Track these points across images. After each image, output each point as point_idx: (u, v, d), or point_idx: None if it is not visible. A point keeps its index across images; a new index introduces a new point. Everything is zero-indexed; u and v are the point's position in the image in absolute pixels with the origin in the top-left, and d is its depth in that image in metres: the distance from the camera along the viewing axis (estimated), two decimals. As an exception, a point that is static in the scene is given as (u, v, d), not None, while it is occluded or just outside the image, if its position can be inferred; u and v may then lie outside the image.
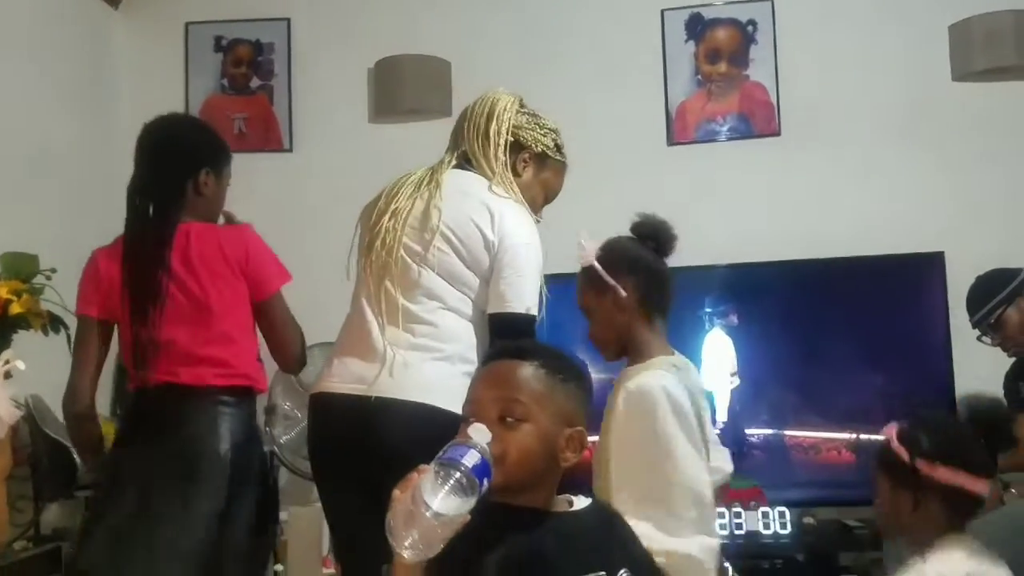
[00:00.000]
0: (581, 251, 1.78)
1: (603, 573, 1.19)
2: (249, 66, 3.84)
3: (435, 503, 1.08)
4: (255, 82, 3.85)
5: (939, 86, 3.53)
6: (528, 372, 1.27)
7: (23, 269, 2.58)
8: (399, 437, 1.80)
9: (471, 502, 1.11)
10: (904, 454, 1.67)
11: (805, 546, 3.13)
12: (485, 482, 1.14)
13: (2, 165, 3.00)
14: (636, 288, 1.72)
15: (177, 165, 2.13)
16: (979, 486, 1.66)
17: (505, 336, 1.85)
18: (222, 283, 2.07)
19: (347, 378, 1.94)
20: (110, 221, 2.23)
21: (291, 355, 2.16)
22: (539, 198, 2.11)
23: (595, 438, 1.56)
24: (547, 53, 3.75)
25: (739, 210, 3.54)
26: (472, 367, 1.81)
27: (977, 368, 3.12)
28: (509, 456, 1.22)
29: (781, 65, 3.61)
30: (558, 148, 2.11)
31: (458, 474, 1.11)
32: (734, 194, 3.56)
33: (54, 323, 2.50)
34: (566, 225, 3.64)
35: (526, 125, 2.04)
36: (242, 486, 2.02)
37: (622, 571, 1.21)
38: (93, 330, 2.10)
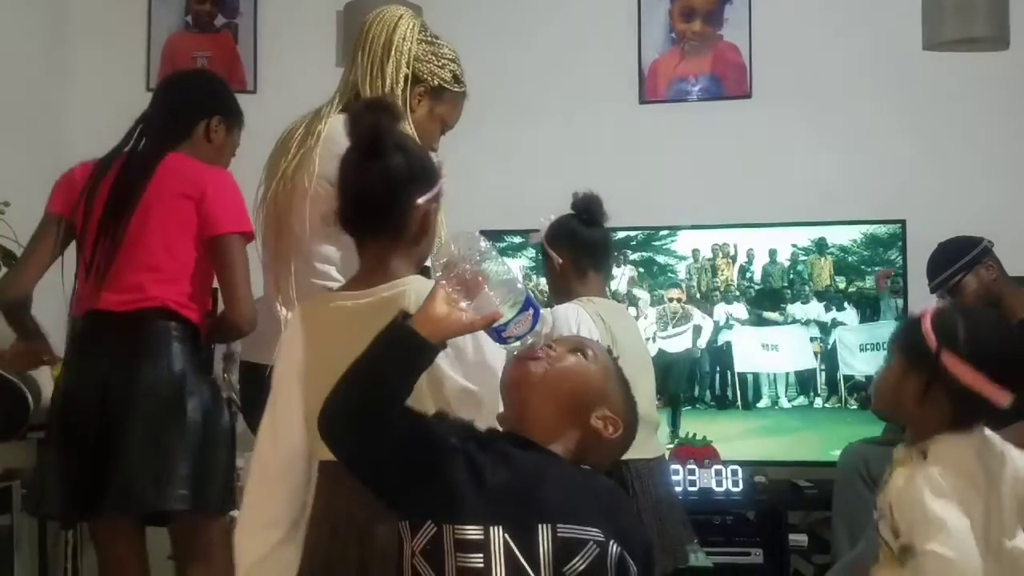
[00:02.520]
0: (537, 231, 2.21)
1: (598, 530, 1.16)
2: (214, 3, 3.74)
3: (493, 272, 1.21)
4: (220, 20, 3.74)
5: (910, 55, 3.53)
6: (606, 355, 1.33)
7: (-25, 202, 2.52)
8: None
9: (506, 310, 1.21)
10: (932, 340, 1.49)
11: (756, 504, 3.19)
12: (528, 314, 1.22)
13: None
14: (568, 255, 2.13)
15: (194, 105, 2.14)
16: (1000, 397, 1.47)
17: None
18: (169, 209, 2.02)
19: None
20: (66, 155, 2.18)
21: (235, 304, 2.03)
22: (435, 132, 1.99)
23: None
24: (521, 2, 3.69)
25: (707, 172, 3.54)
26: None
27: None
28: (558, 363, 1.26)
29: (755, 27, 3.59)
30: (456, 79, 1.98)
31: (520, 284, 1.23)
32: (703, 155, 3.56)
33: (7, 257, 2.45)
34: (539, 179, 3.63)
35: (423, 57, 1.91)
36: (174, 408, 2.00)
37: (612, 542, 1.16)
38: (52, 225, 2.08)
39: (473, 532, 1.15)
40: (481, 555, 1.14)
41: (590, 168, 3.54)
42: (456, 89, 1.99)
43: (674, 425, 3.34)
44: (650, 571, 1.23)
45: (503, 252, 3.39)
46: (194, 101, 2.15)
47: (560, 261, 2.14)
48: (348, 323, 1.34)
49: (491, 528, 1.14)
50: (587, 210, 2.15)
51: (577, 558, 1.14)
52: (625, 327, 2.14)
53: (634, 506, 1.38)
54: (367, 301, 1.35)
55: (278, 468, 1.41)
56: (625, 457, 1.95)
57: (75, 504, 1.99)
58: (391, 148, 1.37)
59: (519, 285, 1.23)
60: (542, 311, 1.26)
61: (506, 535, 1.14)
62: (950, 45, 3.47)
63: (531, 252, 3.40)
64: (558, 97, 3.63)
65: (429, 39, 1.94)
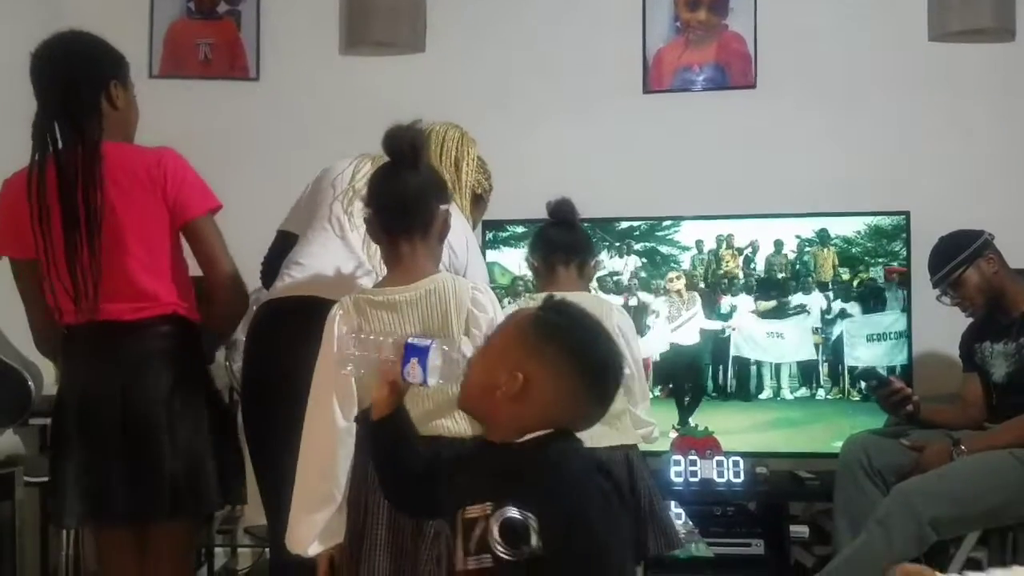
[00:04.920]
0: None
1: (491, 504, 1.26)
2: (217, -11, 3.72)
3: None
4: (222, 7, 3.73)
5: (915, 45, 3.52)
6: (526, 316, 1.39)
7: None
8: None
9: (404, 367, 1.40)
10: None
11: (757, 495, 3.19)
12: (412, 362, 1.38)
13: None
14: (539, 257, 2.32)
15: (86, 81, 2.01)
16: None
17: None
18: (138, 205, 1.98)
19: None
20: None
21: (217, 272, 2.02)
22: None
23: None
24: (525, -9, 3.68)
25: (711, 162, 3.52)
26: None
27: (935, 329, 3.18)
28: (467, 372, 1.38)
29: (760, 16, 3.57)
30: (490, 191, 2.38)
31: (391, 341, 1.42)
32: (707, 145, 3.55)
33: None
34: (543, 169, 3.62)
35: (477, 169, 2.27)
36: (185, 416, 2.00)
37: (505, 509, 1.25)
38: (21, 269, 2.04)
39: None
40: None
41: (594, 158, 3.54)
42: (487, 199, 2.40)
43: (684, 417, 3.34)
44: (571, 539, 1.24)
45: (505, 242, 3.39)
46: (83, 78, 2.01)
47: (536, 264, 2.35)
48: (400, 310, 1.63)
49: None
50: (556, 213, 2.32)
51: (476, 530, 1.28)
52: None
53: (550, 479, 1.33)
54: (414, 293, 1.63)
55: (336, 442, 1.62)
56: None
57: (97, 511, 1.99)
58: (423, 162, 1.68)
59: (390, 341, 1.42)
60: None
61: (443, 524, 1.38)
62: (956, 36, 3.46)
63: (534, 242, 3.40)
64: (562, 87, 3.61)
65: (479, 157, 2.30)
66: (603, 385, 1.36)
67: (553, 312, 1.38)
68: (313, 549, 1.64)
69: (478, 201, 2.33)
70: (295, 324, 1.87)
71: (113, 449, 1.96)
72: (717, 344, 3.36)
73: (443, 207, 1.70)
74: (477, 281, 1.79)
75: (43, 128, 2.00)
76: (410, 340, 1.41)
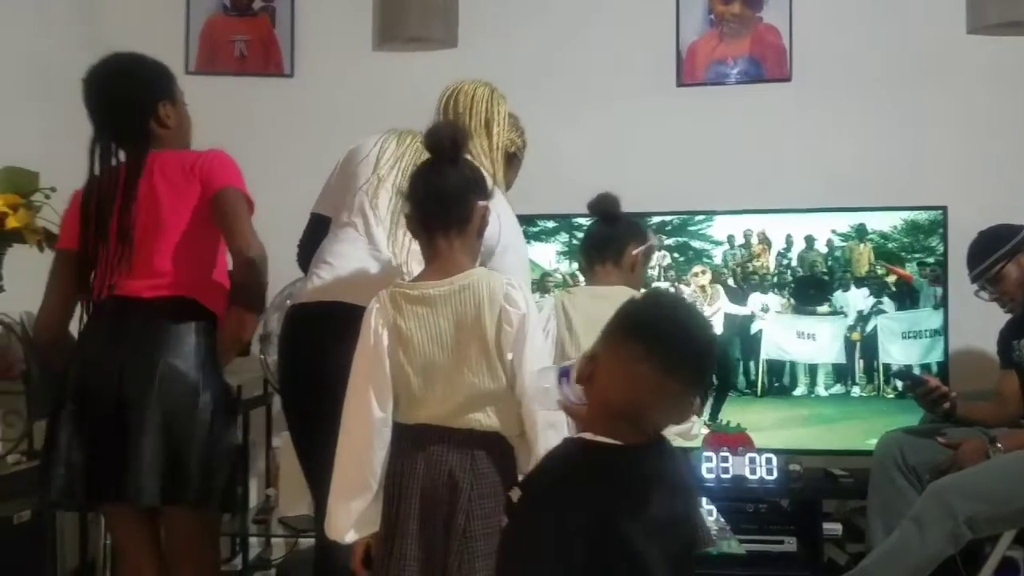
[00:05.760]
0: None
1: None
2: (252, -14, 3.76)
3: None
4: (258, 3, 3.77)
5: (953, 38, 3.47)
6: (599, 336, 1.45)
7: (22, 184, 2.58)
8: None
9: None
10: None
11: (790, 492, 3.17)
12: (563, 383, 1.44)
13: (8, 83, 2.99)
14: (582, 255, 2.31)
15: (135, 109, 2.10)
16: None
17: None
18: (176, 192, 2.04)
19: None
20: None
21: (244, 245, 1.98)
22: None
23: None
24: (557, -14, 3.67)
25: (745, 156, 3.50)
26: None
27: (972, 325, 3.14)
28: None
29: (795, 8, 3.54)
30: (524, 148, 2.33)
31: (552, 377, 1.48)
32: (741, 139, 3.52)
33: (50, 240, 2.49)
34: (575, 163, 3.60)
35: (509, 127, 2.21)
36: (179, 401, 1.98)
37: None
38: (60, 261, 2.12)
39: None
40: None
41: (627, 152, 3.53)
42: (521, 156, 2.33)
43: (714, 412, 3.33)
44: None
45: (536, 236, 3.39)
46: (131, 106, 2.10)
47: (582, 263, 2.34)
48: (434, 305, 1.65)
49: None
50: (592, 209, 2.28)
51: None
52: (589, 312, 2.11)
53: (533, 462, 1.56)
54: (447, 288, 1.65)
55: (372, 432, 1.65)
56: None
57: (81, 491, 1.98)
58: (463, 157, 1.71)
59: (553, 376, 1.46)
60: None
61: None
62: (994, 28, 3.40)
63: (563, 237, 3.40)
64: (595, 81, 3.61)
65: (511, 113, 2.23)
66: (670, 371, 1.30)
67: (643, 299, 1.43)
68: (350, 537, 1.67)
69: (511, 160, 2.27)
70: (324, 331, 1.92)
71: (104, 425, 1.94)
72: (748, 340, 3.34)
73: (481, 203, 1.71)
74: (515, 271, 1.81)
75: (93, 148, 2.11)
76: (562, 364, 1.48)
